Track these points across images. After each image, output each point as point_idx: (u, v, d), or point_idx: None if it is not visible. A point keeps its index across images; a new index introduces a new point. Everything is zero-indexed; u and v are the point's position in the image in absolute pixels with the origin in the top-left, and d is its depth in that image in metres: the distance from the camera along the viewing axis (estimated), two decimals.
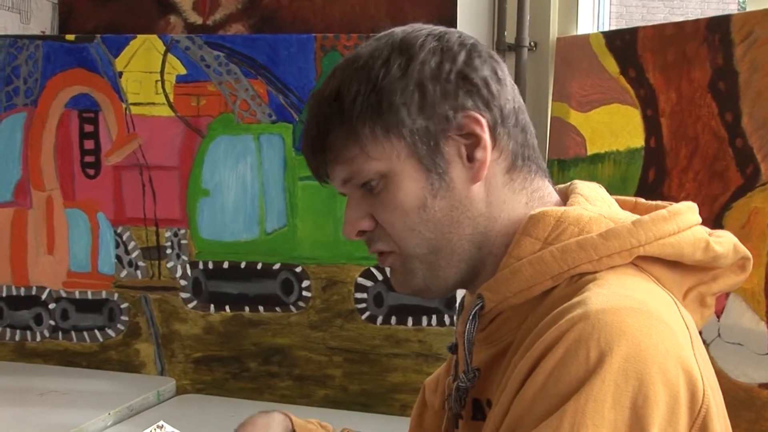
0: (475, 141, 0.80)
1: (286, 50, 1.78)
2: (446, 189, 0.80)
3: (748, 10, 1.56)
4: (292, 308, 1.80)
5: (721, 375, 1.19)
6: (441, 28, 0.85)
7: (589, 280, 0.75)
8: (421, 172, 0.80)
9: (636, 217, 0.80)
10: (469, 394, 0.83)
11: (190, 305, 1.85)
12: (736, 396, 1.33)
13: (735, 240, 0.82)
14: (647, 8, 7.62)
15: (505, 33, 1.92)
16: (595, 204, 0.83)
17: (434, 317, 1.73)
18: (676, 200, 0.85)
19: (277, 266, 1.81)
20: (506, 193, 0.82)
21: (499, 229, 0.82)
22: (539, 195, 0.84)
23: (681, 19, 1.51)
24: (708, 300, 0.83)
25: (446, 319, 1.72)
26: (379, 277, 1.76)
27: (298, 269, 1.80)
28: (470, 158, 0.81)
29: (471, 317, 0.80)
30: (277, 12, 1.89)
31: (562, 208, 0.81)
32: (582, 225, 0.79)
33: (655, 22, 1.60)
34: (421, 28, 0.84)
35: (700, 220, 0.81)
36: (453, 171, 0.80)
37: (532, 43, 1.92)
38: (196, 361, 1.85)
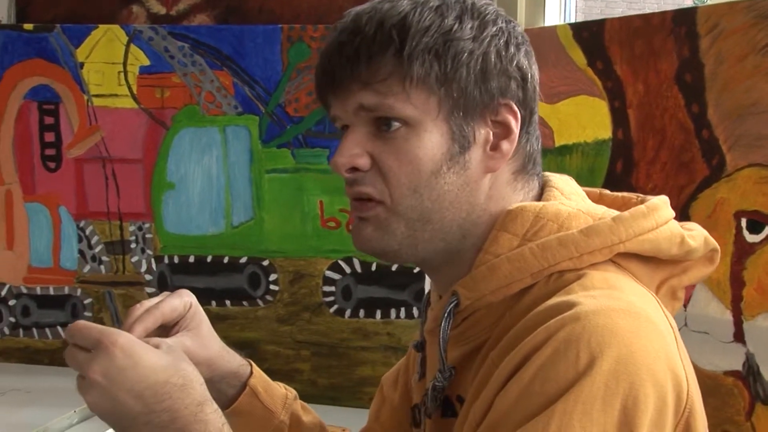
0: (505, 132, 0.79)
1: (252, 41, 1.76)
2: (461, 166, 0.78)
3: (708, 2, 1.57)
4: (260, 302, 1.79)
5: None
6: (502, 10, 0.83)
7: (572, 279, 0.74)
8: (447, 138, 0.77)
9: (611, 211, 0.79)
10: (444, 392, 0.81)
11: None
12: (702, 383, 1.34)
13: (705, 233, 0.82)
14: (606, 2, 7.70)
15: None
16: (570, 198, 0.82)
17: (403, 310, 1.72)
18: (644, 191, 0.85)
19: (243, 260, 1.79)
20: (507, 192, 0.81)
21: (488, 225, 0.80)
22: (533, 196, 0.83)
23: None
24: (679, 293, 0.83)
25: (414, 311, 1.71)
26: (348, 270, 1.74)
27: (265, 263, 1.78)
28: (494, 147, 0.79)
29: (446, 315, 0.78)
30: (243, 2, 1.86)
31: (541, 203, 0.79)
32: (561, 221, 0.77)
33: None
34: (485, 1, 0.81)
35: (674, 214, 0.81)
36: (473, 152, 0.78)
37: None
38: None
